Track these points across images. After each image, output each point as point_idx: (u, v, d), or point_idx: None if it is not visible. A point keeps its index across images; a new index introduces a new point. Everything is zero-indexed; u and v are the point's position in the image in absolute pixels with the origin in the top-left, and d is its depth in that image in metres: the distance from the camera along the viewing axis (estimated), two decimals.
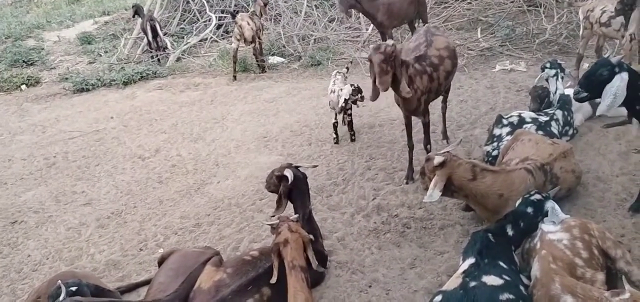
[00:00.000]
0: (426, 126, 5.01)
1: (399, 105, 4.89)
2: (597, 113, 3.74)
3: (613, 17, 5.96)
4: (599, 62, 3.80)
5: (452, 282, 3.00)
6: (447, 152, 3.89)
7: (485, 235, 3.25)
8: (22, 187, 6.15)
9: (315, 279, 3.78)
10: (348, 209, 4.83)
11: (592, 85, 3.70)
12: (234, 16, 8.91)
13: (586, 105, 5.31)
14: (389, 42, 4.42)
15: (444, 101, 5.64)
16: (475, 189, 3.81)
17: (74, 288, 3.21)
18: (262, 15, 9.24)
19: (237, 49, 8.87)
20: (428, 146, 5.03)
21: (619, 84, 3.55)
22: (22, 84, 9.87)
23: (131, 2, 11.68)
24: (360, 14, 9.08)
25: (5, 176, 6.49)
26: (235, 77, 8.99)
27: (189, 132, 7.14)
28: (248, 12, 9.33)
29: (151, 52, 10.44)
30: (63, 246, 4.90)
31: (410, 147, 5.06)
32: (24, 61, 10.98)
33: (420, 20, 8.57)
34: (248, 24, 8.68)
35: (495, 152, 4.76)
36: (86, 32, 12.62)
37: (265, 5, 9.26)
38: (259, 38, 9.06)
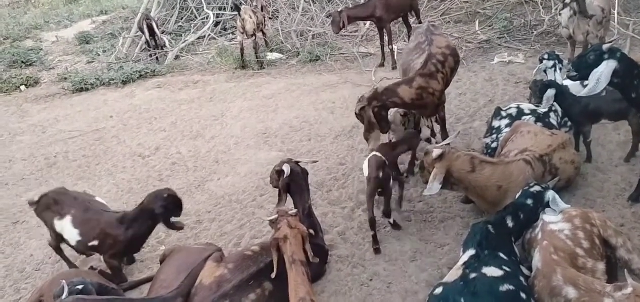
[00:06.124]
0: (443, 121, 5.04)
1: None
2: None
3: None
4: (593, 46, 3.90)
5: (453, 274, 3.01)
6: (446, 145, 3.91)
7: (485, 227, 3.26)
8: (24, 188, 6.16)
9: (316, 274, 3.80)
10: (348, 204, 4.84)
11: (581, 68, 3.79)
12: (238, 9, 8.92)
13: None
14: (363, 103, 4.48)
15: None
16: (474, 181, 3.83)
17: (80, 286, 3.22)
18: (268, 6, 9.32)
19: (243, 41, 9.02)
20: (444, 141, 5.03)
21: (603, 71, 3.61)
22: (21, 84, 9.87)
23: (129, 2, 11.66)
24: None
25: (7, 177, 6.50)
26: (244, 66, 9.21)
27: (189, 129, 7.14)
28: (251, 6, 9.40)
29: (150, 50, 10.44)
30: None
31: None
32: (22, 62, 10.97)
33: (413, 14, 8.59)
34: (250, 17, 8.72)
35: (494, 145, 4.76)
36: (84, 32, 12.61)
37: (262, 7, 9.36)
38: (262, 32, 9.08)
